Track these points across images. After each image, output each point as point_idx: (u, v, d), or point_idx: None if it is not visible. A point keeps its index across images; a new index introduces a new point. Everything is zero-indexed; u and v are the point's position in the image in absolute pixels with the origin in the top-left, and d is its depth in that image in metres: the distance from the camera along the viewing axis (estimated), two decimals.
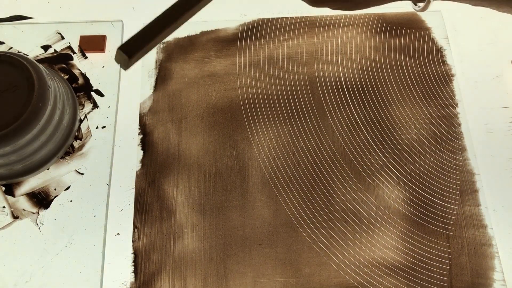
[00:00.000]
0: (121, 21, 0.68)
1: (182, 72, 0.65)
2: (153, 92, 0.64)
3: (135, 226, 0.56)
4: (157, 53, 0.66)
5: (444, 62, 0.64)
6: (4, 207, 0.57)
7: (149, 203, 0.57)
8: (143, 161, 0.60)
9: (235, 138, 0.60)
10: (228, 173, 0.59)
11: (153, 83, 0.64)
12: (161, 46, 0.67)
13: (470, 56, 0.64)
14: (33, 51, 0.66)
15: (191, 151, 0.60)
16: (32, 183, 0.58)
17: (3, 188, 0.58)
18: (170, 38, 0.67)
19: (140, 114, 0.63)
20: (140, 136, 0.61)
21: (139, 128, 0.62)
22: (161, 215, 0.57)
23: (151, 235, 0.56)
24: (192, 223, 0.56)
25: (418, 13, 0.66)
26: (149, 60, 0.66)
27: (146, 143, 0.61)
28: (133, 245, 0.55)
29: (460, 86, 0.62)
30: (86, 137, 0.61)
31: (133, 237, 0.56)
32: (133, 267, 0.54)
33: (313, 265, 0.54)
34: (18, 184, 0.58)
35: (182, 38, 0.67)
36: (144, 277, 0.54)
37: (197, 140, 0.60)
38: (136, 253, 0.55)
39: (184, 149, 0.60)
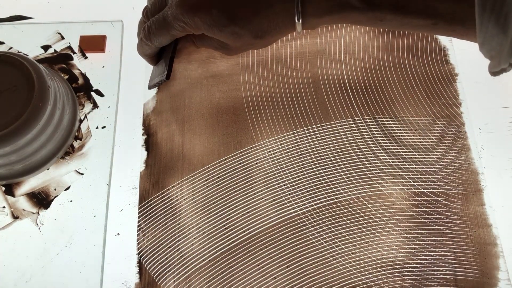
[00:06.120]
0: (121, 21, 0.68)
1: (185, 73, 0.64)
2: (157, 93, 0.63)
3: (139, 227, 0.56)
4: None
5: (447, 62, 0.64)
6: (4, 207, 0.57)
7: (153, 204, 0.57)
8: (147, 161, 0.59)
9: (239, 138, 0.60)
10: (232, 173, 0.58)
11: None
12: None
13: (470, 56, 0.65)
14: (33, 51, 0.65)
15: (195, 152, 0.59)
16: (32, 183, 0.58)
17: (3, 188, 0.57)
18: None
19: (143, 114, 0.62)
20: (144, 137, 0.61)
21: (142, 129, 0.61)
22: (165, 215, 0.56)
23: (155, 235, 0.55)
24: (197, 224, 0.56)
25: None
26: None
27: (150, 143, 0.60)
28: (137, 246, 0.55)
29: (464, 86, 0.63)
30: (86, 137, 0.61)
31: (137, 237, 0.55)
32: (137, 268, 0.54)
33: (318, 265, 0.53)
34: (18, 184, 0.58)
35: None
36: (149, 277, 0.53)
37: (201, 140, 0.60)
38: (140, 254, 0.54)
39: (188, 150, 0.60)
